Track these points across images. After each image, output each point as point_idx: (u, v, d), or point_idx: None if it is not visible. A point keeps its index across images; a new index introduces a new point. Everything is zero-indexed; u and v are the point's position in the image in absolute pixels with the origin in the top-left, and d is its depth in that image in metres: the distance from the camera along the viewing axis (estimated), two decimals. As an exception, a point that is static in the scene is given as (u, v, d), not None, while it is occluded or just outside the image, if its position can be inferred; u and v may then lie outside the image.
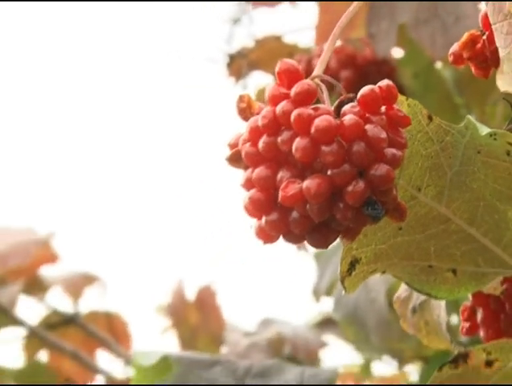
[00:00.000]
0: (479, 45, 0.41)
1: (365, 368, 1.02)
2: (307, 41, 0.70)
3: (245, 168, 0.36)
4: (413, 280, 0.44)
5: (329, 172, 0.34)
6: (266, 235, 0.35)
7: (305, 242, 0.36)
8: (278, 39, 0.70)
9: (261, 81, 0.76)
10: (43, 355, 0.96)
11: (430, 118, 0.38)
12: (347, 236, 0.37)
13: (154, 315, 1.06)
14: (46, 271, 0.97)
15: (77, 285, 0.95)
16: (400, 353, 0.79)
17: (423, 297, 0.47)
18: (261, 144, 0.35)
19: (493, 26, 0.38)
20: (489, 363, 0.42)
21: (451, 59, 0.44)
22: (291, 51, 0.67)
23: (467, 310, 0.49)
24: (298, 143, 0.34)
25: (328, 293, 0.72)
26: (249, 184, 0.35)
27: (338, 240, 0.37)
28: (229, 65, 0.71)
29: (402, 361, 0.88)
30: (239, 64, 0.69)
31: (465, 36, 0.42)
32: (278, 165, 0.35)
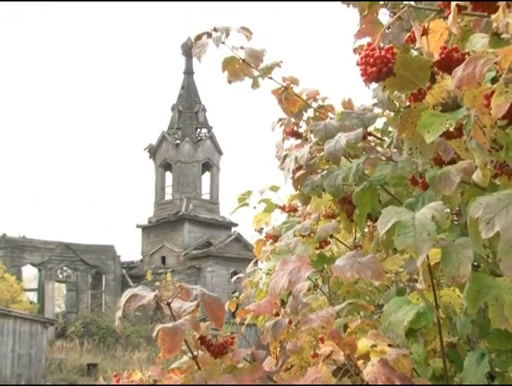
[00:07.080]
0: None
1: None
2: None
3: (360, 65, 1.53)
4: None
5: (378, 65, 1.45)
6: (365, 77, 1.53)
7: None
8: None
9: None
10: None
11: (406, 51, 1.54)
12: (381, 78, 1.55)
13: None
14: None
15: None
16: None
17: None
18: (363, 59, 1.46)
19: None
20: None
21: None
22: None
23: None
24: (371, 59, 1.47)
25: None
26: (361, 65, 1.52)
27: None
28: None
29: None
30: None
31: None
32: (367, 64, 1.48)
